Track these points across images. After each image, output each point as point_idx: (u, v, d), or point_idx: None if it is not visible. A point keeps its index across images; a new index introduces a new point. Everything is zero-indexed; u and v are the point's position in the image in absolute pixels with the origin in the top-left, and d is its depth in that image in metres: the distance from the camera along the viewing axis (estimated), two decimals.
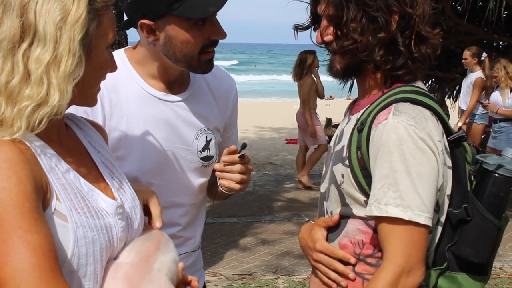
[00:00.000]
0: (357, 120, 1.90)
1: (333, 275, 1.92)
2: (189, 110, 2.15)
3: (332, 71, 1.97)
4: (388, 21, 1.83)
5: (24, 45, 1.41)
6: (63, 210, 1.43)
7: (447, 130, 1.88)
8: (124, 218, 1.59)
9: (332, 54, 1.95)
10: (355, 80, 2.02)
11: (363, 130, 1.83)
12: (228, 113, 2.30)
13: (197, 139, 2.16)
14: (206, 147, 2.18)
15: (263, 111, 23.61)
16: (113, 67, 1.61)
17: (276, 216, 8.53)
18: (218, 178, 2.15)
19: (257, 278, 6.05)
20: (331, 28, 1.89)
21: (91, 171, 1.61)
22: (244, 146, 2.12)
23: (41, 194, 1.40)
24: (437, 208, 1.82)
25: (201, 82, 2.22)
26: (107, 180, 1.63)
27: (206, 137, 2.18)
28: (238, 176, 2.08)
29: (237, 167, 2.08)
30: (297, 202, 9.34)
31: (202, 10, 1.94)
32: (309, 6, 2.02)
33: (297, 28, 2.08)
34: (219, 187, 2.15)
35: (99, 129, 1.78)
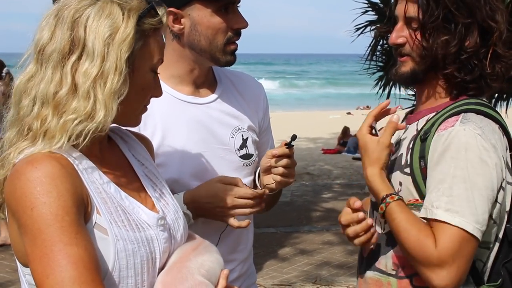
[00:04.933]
0: (420, 129, 1.87)
1: (361, 238, 1.88)
2: (220, 110, 2.17)
3: (396, 74, 1.93)
4: (470, 33, 1.81)
5: (73, 58, 1.45)
6: (103, 224, 1.46)
7: (510, 144, 1.86)
8: (166, 229, 1.60)
9: (399, 57, 1.92)
10: (392, 89, 2.01)
11: (427, 139, 1.81)
12: (261, 114, 2.30)
13: (233, 137, 2.17)
14: (243, 145, 2.19)
15: (298, 121, 23.57)
16: (157, 92, 1.63)
17: (314, 226, 8.50)
18: (258, 180, 2.17)
19: None
20: (407, 30, 1.88)
21: (132, 183, 1.63)
22: (294, 137, 2.10)
23: (82, 208, 1.42)
24: (496, 224, 1.80)
25: (228, 83, 2.24)
26: (149, 193, 1.65)
27: (242, 135, 2.19)
28: (286, 171, 2.07)
29: (284, 161, 2.06)
30: (335, 212, 9.28)
31: None
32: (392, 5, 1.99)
33: (378, 29, 2.06)
34: (259, 187, 2.15)
35: (144, 141, 1.80)
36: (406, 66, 1.90)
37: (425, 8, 1.81)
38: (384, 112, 1.94)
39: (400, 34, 1.89)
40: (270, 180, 2.10)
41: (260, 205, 2.04)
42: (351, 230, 1.88)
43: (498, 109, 9.75)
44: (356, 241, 1.88)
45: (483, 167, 1.72)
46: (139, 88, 1.56)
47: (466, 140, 1.73)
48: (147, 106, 2.04)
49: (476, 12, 1.81)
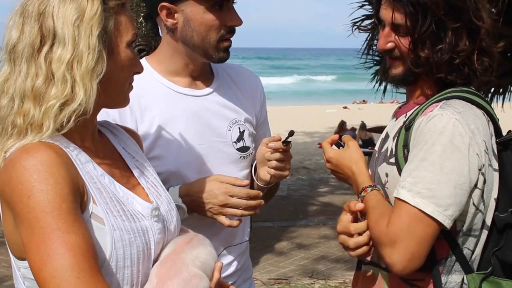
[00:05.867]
0: (405, 120, 1.88)
1: (353, 253, 1.88)
2: (217, 102, 2.16)
3: (388, 76, 1.94)
4: (460, 36, 1.81)
5: (45, 48, 1.46)
6: (99, 213, 1.46)
7: (497, 132, 1.86)
8: (160, 220, 1.60)
9: (389, 59, 1.92)
10: (388, 84, 2.02)
11: (410, 128, 1.82)
12: (258, 107, 2.30)
13: (230, 130, 2.16)
14: (240, 137, 2.19)
15: (295, 115, 23.58)
16: (138, 68, 1.63)
17: (311, 220, 8.52)
18: (254, 172, 2.17)
19: (293, 282, 6.05)
20: (394, 35, 1.87)
21: (125, 175, 1.63)
22: (292, 133, 2.10)
23: (78, 197, 1.42)
24: (479, 210, 1.79)
25: (225, 76, 2.24)
26: (141, 184, 1.65)
27: (239, 128, 2.19)
28: (280, 164, 2.07)
29: (277, 155, 2.06)
30: (332, 206, 9.31)
31: None
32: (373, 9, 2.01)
33: (359, 28, 2.07)
34: (256, 180, 2.15)
35: (133, 135, 1.81)
36: (397, 68, 1.91)
37: (414, 17, 1.81)
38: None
39: (388, 40, 1.89)
40: (265, 173, 2.10)
41: (254, 209, 2.03)
42: (352, 242, 1.86)
43: (494, 103, 9.80)
44: (354, 253, 1.87)
45: (454, 152, 1.72)
46: (120, 66, 1.56)
47: (441, 125, 1.74)
48: (145, 99, 2.05)
49: (464, 14, 1.81)
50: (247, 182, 2.06)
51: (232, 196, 2.01)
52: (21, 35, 1.47)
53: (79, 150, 1.51)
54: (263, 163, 2.11)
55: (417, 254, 1.73)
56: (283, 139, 2.06)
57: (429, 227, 1.72)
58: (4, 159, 1.46)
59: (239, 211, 2.02)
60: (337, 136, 2.09)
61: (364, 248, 1.85)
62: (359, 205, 1.86)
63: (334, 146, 2.05)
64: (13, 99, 1.47)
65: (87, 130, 1.56)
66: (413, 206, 1.72)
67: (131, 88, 1.63)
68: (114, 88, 1.56)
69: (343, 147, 2.03)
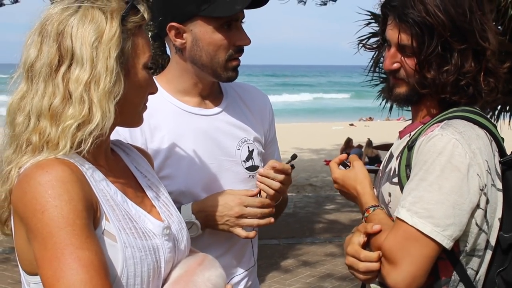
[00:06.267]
0: (408, 140, 1.89)
1: (361, 276, 1.85)
2: (226, 122, 2.17)
3: (391, 95, 1.95)
4: (465, 58, 1.82)
5: (63, 68, 1.47)
6: (112, 230, 1.47)
7: (501, 151, 1.86)
8: (171, 239, 1.61)
9: (393, 79, 1.92)
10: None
11: (413, 147, 1.82)
12: (267, 126, 2.31)
13: (239, 149, 2.17)
14: (249, 157, 2.19)
15: (302, 132, 23.58)
16: (153, 88, 1.65)
17: (317, 238, 8.49)
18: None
19: None
20: (400, 56, 1.87)
21: (138, 194, 1.64)
22: (294, 157, 2.13)
23: (91, 213, 1.43)
24: (482, 230, 1.78)
25: (234, 96, 2.25)
26: (153, 203, 1.66)
27: (248, 147, 2.19)
28: (277, 184, 2.08)
29: (280, 176, 2.08)
30: (338, 224, 9.28)
31: (229, 8, 1.99)
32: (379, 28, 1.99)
33: (364, 46, 2.08)
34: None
35: (145, 154, 1.83)
36: (402, 88, 1.91)
37: (420, 38, 1.81)
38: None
39: (394, 60, 1.90)
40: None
41: (268, 217, 2.06)
42: (363, 266, 1.81)
43: (501, 121, 9.77)
44: (363, 277, 1.84)
45: (453, 172, 1.72)
46: (137, 87, 1.58)
47: (441, 145, 1.74)
48: (155, 119, 2.06)
49: (470, 35, 1.82)
50: (257, 190, 2.09)
51: (246, 206, 2.03)
52: (40, 54, 1.49)
53: (93, 168, 1.52)
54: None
55: (416, 275, 1.73)
56: (287, 163, 2.09)
57: (426, 247, 1.72)
58: (18, 174, 1.47)
59: (255, 221, 2.05)
60: (344, 155, 2.10)
61: (374, 274, 1.83)
62: (376, 227, 1.82)
63: (341, 166, 2.07)
64: (29, 116, 1.49)
65: (101, 148, 1.57)
66: (411, 226, 1.72)
67: (145, 108, 1.65)
68: (130, 109, 1.58)
69: (349, 167, 2.04)
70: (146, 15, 1.59)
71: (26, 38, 1.53)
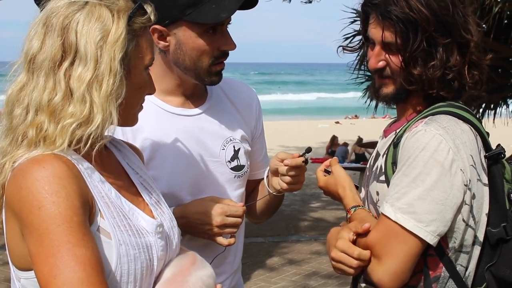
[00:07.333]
0: (394, 137, 1.89)
1: (352, 271, 1.83)
2: (211, 121, 2.13)
3: (379, 96, 1.94)
4: (450, 51, 1.82)
5: (66, 64, 1.45)
6: (106, 227, 1.46)
7: (487, 146, 1.87)
8: (164, 237, 1.61)
9: (379, 79, 1.92)
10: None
11: (398, 144, 1.82)
12: (253, 122, 2.27)
13: (224, 149, 2.14)
14: (235, 156, 2.16)
15: (288, 130, 23.59)
16: (151, 89, 1.64)
17: (302, 236, 8.51)
18: (267, 184, 2.19)
19: None
20: (385, 54, 1.87)
21: (130, 190, 1.64)
22: (309, 150, 2.13)
23: (87, 210, 1.43)
24: (469, 226, 1.79)
25: (219, 94, 2.20)
26: (146, 200, 1.66)
27: (234, 146, 2.16)
28: (293, 180, 2.09)
29: (298, 170, 2.08)
30: (324, 222, 9.29)
31: (214, 16, 1.95)
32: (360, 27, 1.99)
33: (345, 49, 2.07)
34: (267, 186, 2.18)
35: (137, 151, 1.81)
36: (389, 87, 1.91)
37: (404, 35, 1.81)
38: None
39: (379, 59, 1.89)
40: (277, 183, 2.13)
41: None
42: (356, 263, 1.79)
43: (485, 119, 9.83)
44: (354, 272, 1.82)
45: (435, 167, 1.72)
46: (137, 88, 1.56)
47: (424, 140, 1.74)
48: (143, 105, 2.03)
49: (453, 29, 1.82)
50: (240, 205, 2.05)
51: (228, 216, 2.01)
52: (43, 47, 1.47)
53: (88, 164, 1.51)
54: (276, 173, 2.12)
55: (400, 271, 1.74)
56: (301, 156, 2.09)
57: (409, 243, 1.73)
58: (13, 168, 1.45)
59: (235, 229, 2.03)
60: (328, 162, 2.11)
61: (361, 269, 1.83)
62: (366, 225, 1.81)
63: (325, 173, 2.10)
64: (27, 109, 1.47)
65: (96, 146, 1.54)
66: (394, 222, 1.73)
67: (141, 108, 1.64)
68: (126, 109, 1.55)
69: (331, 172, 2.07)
70: (152, 17, 1.57)
71: (29, 28, 1.50)
